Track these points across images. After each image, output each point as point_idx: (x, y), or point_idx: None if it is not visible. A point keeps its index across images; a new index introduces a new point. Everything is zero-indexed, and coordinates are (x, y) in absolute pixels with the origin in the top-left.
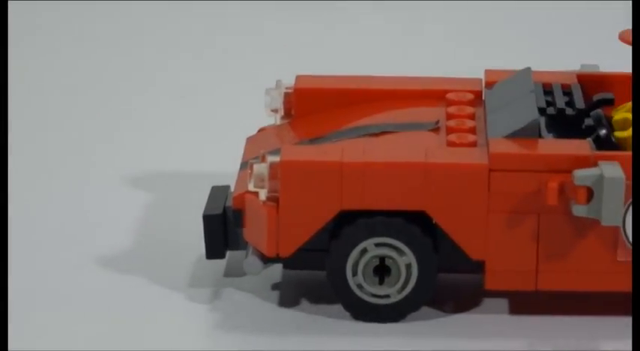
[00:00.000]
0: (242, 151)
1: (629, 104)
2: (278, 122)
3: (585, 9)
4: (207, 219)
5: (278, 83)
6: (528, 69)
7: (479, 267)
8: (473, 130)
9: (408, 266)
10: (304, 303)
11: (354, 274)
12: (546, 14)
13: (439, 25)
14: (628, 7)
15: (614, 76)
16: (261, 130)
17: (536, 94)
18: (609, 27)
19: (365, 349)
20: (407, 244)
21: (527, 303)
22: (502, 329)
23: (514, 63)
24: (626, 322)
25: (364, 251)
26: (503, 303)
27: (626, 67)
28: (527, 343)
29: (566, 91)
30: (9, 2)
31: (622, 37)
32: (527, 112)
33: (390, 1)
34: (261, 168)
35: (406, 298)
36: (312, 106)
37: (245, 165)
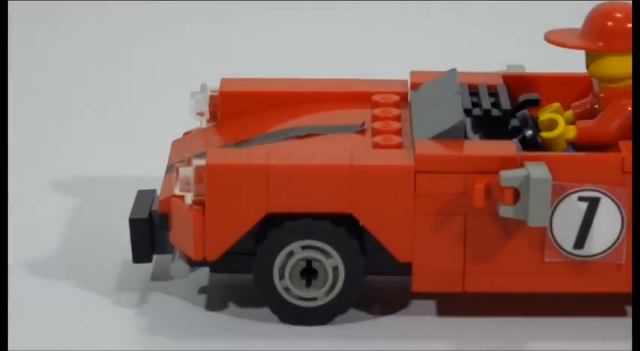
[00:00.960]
0: (168, 155)
1: (555, 105)
2: (204, 125)
3: (511, 9)
4: (134, 223)
5: (203, 86)
6: (454, 70)
7: (406, 269)
8: (398, 132)
9: (335, 269)
10: (231, 306)
11: (281, 277)
12: (471, 14)
13: (364, 26)
14: (554, 7)
15: (539, 77)
16: (186, 134)
17: (461, 95)
18: (535, 27)
19: None
20: (334, 246)
21: (454, 304)
22: (430, 331)
23: (440, 64)
24: (553, 323)
25: (291, 254)
26: (431, 305)
27: (551, 67)
28: (455, 344)
29: (492, 92)
30: None
31: (547, 38)
32: (453, 114)
33: (314, 2)
34: (186, 171)
35: (333, 300)
36: (238, 109)
37: (171, 169)
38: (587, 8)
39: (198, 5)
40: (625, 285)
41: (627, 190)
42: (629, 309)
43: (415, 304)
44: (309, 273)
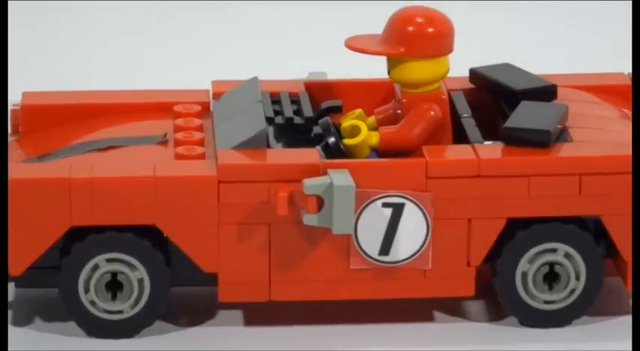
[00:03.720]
0: None
1: (358, 111)
2: None
3: (311, 15)
4: None
5: None
6: (255, 78)
7: (212, 279)
8: (201, 142)
9: (140, 281)
10: (37, 321)
11: (87, 290)
12: (272, 21)
13: (164, 35)
14: (355, 11)
15: (341, 84)
16: None
17: (263, 103)
18: (337, 34)
19: None
20: (138, 258)
21: (261, 314)
22: (236, 341)
23: (242, 73)
24: (362, 329)
25: (96, 267)
26: (238, 314)
27: (352, 73)
28: None
29: (294, 100)
30: None
31: (347, 44)
32: (255, 122)
33: (112, 6)
34: None
35: (139, 313)
36: (40, 123)
37: None
38: (389, 13)
39: None
40: (431, 290)
41: (431, 195)
42: (435, 314)
43: (222, 314)
44: (114, 286)
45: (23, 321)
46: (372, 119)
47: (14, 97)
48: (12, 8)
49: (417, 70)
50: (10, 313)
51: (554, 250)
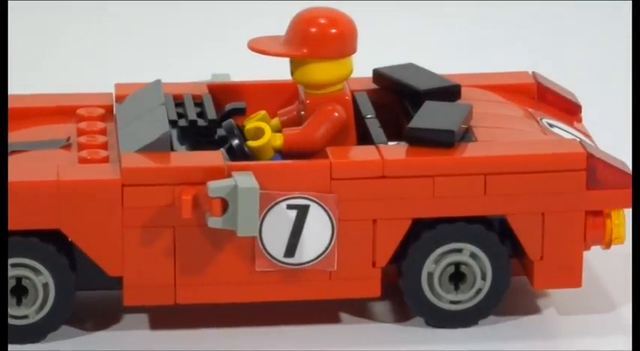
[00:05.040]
0: None
1: (261, 113)
2: None
3: (213, 17)
4: None
5: None
6: (158, 81)
7: (117, 283)
8: (104, 146)
9: (45, 286)
10: None
11: None
12: (176, 22)
13: (66, 37)
14: (256, 10)
15: (245, 85)
16: None
17: (167, 106)
18: (240, 35)
19: None
20: (43, 263)
21: (167, 317)
22: (143, 344)
23: (144, 76)
24: (265, 330)
25: None
26: (144, 318)
27: (255, 75)
28: None
29: (198, 102)
30: None
31: (250, 46)
32: (158, 125)
33: (15, 7)
34: None
35: (44, 318)
36: None
37: None
38: (291, 14)
39: None
40: (337, 292)
41: (336, 197)
42: (341, 315)
43: (127, 317)
44: (19, 291)
45: None
46: (275, 121)
47: None
48: None
49: (320, 71)
50: None
51: (459, 251)
